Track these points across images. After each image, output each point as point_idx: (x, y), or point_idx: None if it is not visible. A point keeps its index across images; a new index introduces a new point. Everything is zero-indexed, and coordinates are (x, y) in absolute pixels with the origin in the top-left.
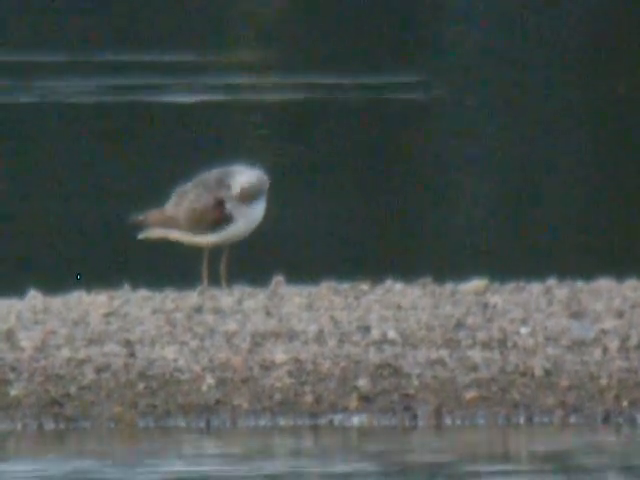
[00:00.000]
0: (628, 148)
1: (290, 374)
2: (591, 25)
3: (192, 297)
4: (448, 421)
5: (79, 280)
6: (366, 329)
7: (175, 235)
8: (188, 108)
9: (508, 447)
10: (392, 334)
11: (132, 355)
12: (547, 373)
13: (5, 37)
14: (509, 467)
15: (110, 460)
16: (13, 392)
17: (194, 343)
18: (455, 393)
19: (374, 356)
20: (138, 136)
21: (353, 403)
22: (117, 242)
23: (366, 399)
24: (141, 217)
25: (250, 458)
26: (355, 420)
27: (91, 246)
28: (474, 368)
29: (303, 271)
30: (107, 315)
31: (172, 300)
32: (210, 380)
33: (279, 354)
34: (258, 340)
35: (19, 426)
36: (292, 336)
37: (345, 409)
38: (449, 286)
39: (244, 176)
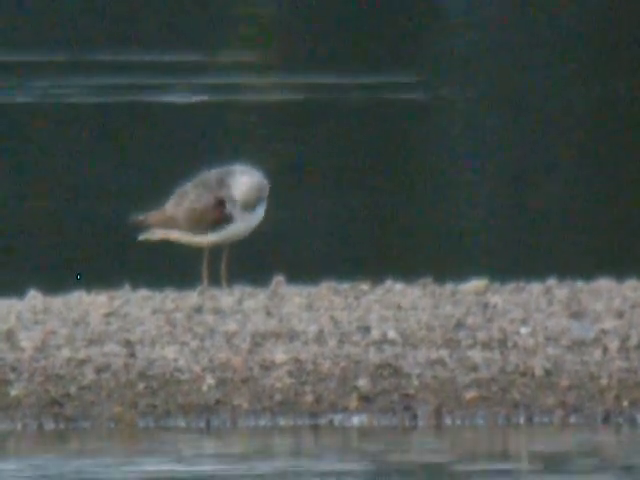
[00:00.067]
0: (628, 148)
1: (290, 374)
2: (591, 25)
3: (192, 297)
4: (448, 421)
5: (79, 280)
6: (366, 329)
7: (175, 235)
8: (188, 108)
9: (507, 447)
10: (392, 334)
11: (132, 355)
12: (547, 373)
13: (5, 37)
14: (506, 467)
15: (109, 459)
16: (13, 392)
17: (194, 343)
18: (455, 393)
19: (374, 356)
20: (138, 136)
21: (353, 403)
22: (117, 242)
23: (366, 399)
24: (141, 217)
25: (249, 458)
26: (355, 420)
27: (91, 246)
28: (474, 368)
29: (303, 271)
30: (107, 315)
31: (172, 300)
32: (210, 380)
33: (279, 354)
34: (258, 340)
35: (19, 426)
36: (292, 336)
37: (345, 409)
38: (449, 286)
39: (244, 184)
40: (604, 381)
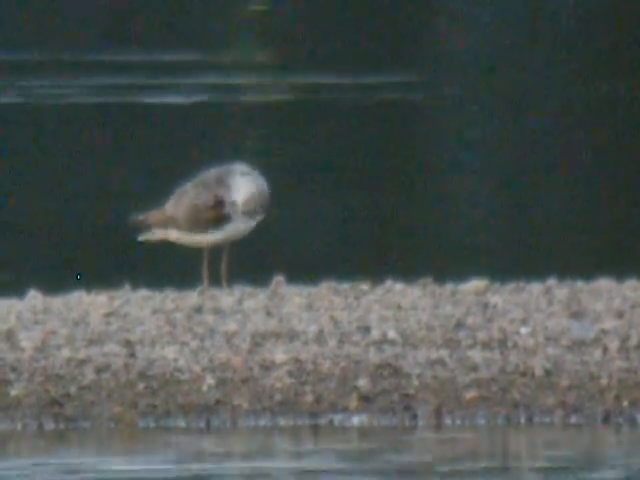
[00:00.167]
0: (628, 148)
1: (290, 374)
2: (591, 25)
3: (192, 297)
4: (448, 421)
5: (79, 280)
6: (366, 329)
7: (175, 235)
8: (188, 108)
9: (505, 446)
10: (392, 334)
11: (132, 355)
12: (547, 373)
13: (5, 36)
14: (500, 466)
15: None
16: (13, 392)
17: (194, 343)
18: (455, 393)
19: (374, 356)
20: (138, 136)
21: (353, 403)
22: (117, 242)
23: (366, 399)
24: (141, 217)
25: (249, 457)
26: (355, 420)
27: (91, 246)
28: (474, 368)
29: (303, 271)
30: (107, 315)
31: (172, 300)
32: (210, 380)
33: (279, 354)
34: (258, 340)
35: (19, 426)
36: (292, 336)
37: (345, 409)
38: (449, 286)
39: (246, 193)
40: (604, 381)
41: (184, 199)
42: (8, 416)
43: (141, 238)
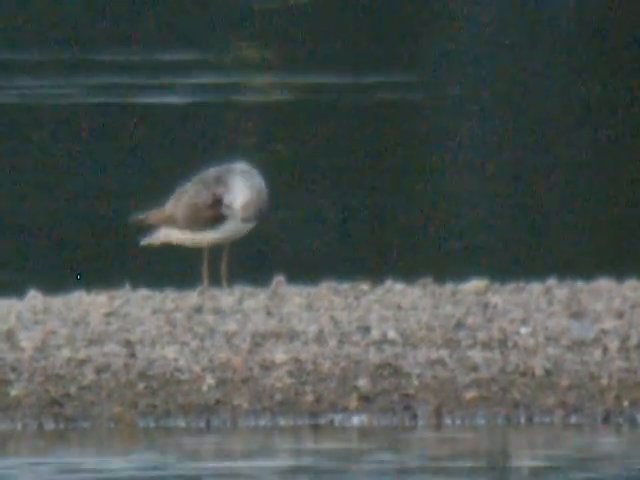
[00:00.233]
0: (628, 148)
1: (290, 374)
2: (591, 25)
3: (192, 297)
4: (448, 421)
5: (79, 280)
6: (366, 329)
7: (175, 235)
8: (188, 108)
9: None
10: (392, 334)
11: (132, 355)
12: (547, 373)
13: (5, 36)
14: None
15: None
16: (13, 392)
17: (194, 343)
18: (455, 393)
19: (374, 356)
20: (138, 136)
21: (353, 403)
22: (117, 242)
23: (366, 399)
24: (141, 216)
25: (249, 457)
26: (355, 420)
27: (91, 246)
28: (474, 368)
29: (303, 271)
30: (107, 315)
31: (172, 300)
32: (210, 380)
33: (279, 354)
34: (258, 340)
35: (19, 426)
36: (292, 336)
37: (345, 409)
38: (449, 286)
39: (243, 198)
40: (604, 381)
41: (183, 198)
42: (8, 416)
43: (143, 243)
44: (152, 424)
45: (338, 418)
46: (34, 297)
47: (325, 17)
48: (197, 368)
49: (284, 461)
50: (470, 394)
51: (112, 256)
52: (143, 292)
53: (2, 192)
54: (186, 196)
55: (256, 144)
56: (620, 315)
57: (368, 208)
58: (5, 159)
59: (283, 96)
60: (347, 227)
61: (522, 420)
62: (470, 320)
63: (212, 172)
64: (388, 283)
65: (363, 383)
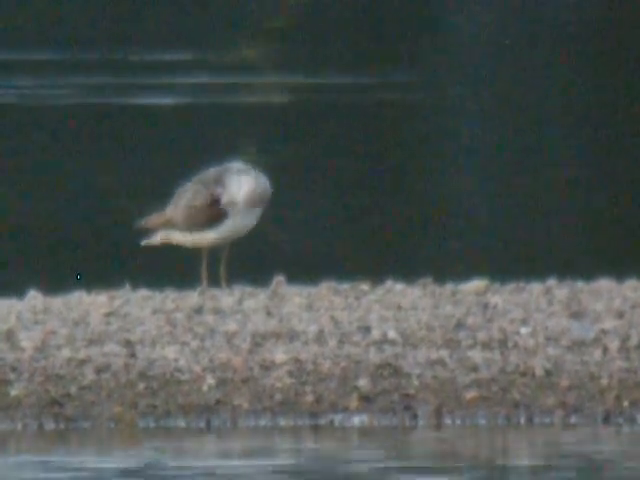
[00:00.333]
0: (628, 148)
1: (290, 374)
2: (591, 24)
3: (192, 297)
4: (448, 421)
5: (79, 280)
6: (366, 329)
7: (175, 236)
8: (187, 108)
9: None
10: (392, 334)
11: (132, 355)
12: (547, 373)
13: (5, 36)
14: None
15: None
16: (13, 392)
17: (194, 343)
18: (455, 393)
19: (374, 356)
20: (137, 136)
21: (353, 403)
22: (117, 242)
23: (366, 399)
24: (142, 222)
25: (249, 457)
26: (355, 420)
27: (91, 246)
28: (474, 368)
29: (303, 271)
30: (107, 315)
31: (172, 300)
32: (210, 380)
33: (279, 354)
34: (258, 340)
35: (19, 426)
36: (292, 336)
37: (345, 409)
38: (449, 286)
39: (247, 184)
40: (604, 381)
41: (182, 199)
42: (8, 416)
43: (143, 242)
44: (152, 424)
45: (338, 418)
46: (34, 297)
47: (325, 17)
48: (197, 368)
49: (284, 461)
50: (470, 394)
51: (112, 256)
52: (143, 292)
53: (2, 192)
54: (185, 198)
55: (256, 144)
56: (620, 315)
57: (368, 208)
58: (5, 159)
59: (283, 96)
60: (347, 227)
61: (522, 420)
62: (470, 320)
63: (211, 172)
64: (388, 283)
65: (363, 383)
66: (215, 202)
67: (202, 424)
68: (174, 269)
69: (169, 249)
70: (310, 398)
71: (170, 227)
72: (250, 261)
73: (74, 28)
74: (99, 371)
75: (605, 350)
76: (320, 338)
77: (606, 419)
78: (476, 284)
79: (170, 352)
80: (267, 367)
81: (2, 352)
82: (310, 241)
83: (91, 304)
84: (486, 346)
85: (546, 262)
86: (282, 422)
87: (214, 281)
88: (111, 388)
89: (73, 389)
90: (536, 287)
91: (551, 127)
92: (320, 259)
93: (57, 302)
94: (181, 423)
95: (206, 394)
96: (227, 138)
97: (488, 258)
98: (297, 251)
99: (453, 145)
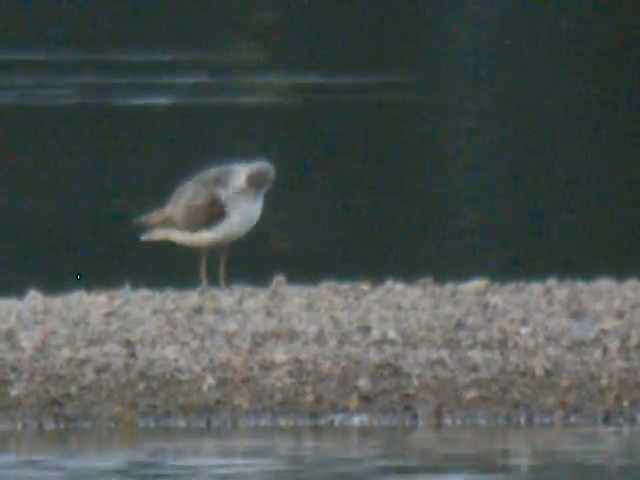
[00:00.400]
0: (628, 148)
1: (290, 374)
2: (591, 24)
3: (192, 297)
4: (448, 421)
5: (79, 280)
6: (366, 329)
7: (175, 235)
8: (187, 108)
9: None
10: (392, 334)
11: (132, 355)
12: (547, 373)
13: (5, 36)
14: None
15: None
16: (13, 392)
17: (194, 343)
18: (455, 393)
19: (374, 356)
20: (137, 136)
21: (353, 403)
22: (117, 242)
23: (366, 399)
24: (142, 219)
25: (250, 457)
26: (356, 420)
27: (91, 246)
28: (474, 368)
29: (303, 271)
30: (107, 315)
31: (172, 300)
32: (210, 380)
33: (279, 354)
34: (258, 340)
35: (19, 426)
36: (292, 336)
37: (345, 409)
38: (449, 286)
39: (252, 165)
40: (604, 381)
41: (182, 198)
42: (8, 416)
43: (143, 238)
44: (152, 424)
45: (338, 418)
46: (34, 297)
47: (325, 17)
48: (197, 368)
49: (284, 461)
50: (470, 394)
51: (112, 256)
52: (143, 292)
53: (2, 192)
54: (184, 197)
55: (256, 144)
56: (620, 315)
57: (368, 208)
58: (5, 159)
59: (283, 96)
60: (347, 227)
61: (522, 420)
62: (470, 320)
63: (211, 172)
64: (388, 283)
65: (363, 383)
66: (215, 202)
67: (202, 424)
68: (174, 269)
69: (169, 249)
70: (310, 398)
71: (169, 226)
72: (250, 261)
73: (74, 28)
74: (99, 371)
75: (605, 350)
76: (320, 338)
77: (606, 419)
78: (476, 284)
79: (170, 352)
80: (267, 367)
81: (2, 352)
82: (310, 241)
83: (91, 304)
84: (486, 346)
85: (546, 262)
86: (282, 422)
87: (213, 281)
88: (111, 388)
89: (73, 389)
90: (536, 287)
91: (551, 127)
92: (320, 259)
93: (57, 302)
94: (181, 423)
95: (206, 394)
96: (227, 138)
97: (488, 258)
98: (297, 251)
99: (453, 145)
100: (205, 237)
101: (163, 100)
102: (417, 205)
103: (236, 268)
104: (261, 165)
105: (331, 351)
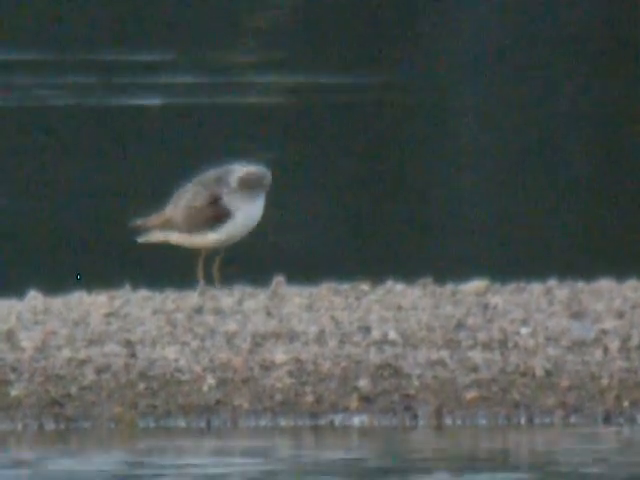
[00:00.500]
0: (628, 148)
1: (290, 374)
2: (591, 25)
3: (193, 297)
4: (449, 421)
5: (79, 280)
6: (367, 329)
7: (174, 238)
8: (187, 108)
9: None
10: (393, 334)
11: (133, 355)
12: (548, 373)
13: (5, 36)
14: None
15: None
16: (14, 392)
17: (195, 343)
18: (455, 393)
19: (375, 356)
20: (138, 137)
21: (354, 403)
22: (117, 242)
23: (367, 399)
24: (141, 221)
25: (250, 457)
26: (356, 420)
27: (91, 246)
28: (474, 368)
29: (303, 271)
30: (108, 315)
31: (173, 300)
32: (211, 380)
33: (279, 354)
34: (258, 340)
35: (19, 426)
36: (293, 336)
37: (346, 409)
38: (450, 286)
39: (245, 167)
40: (605, 381)
41: (182, 199)
42: (8, 416)
43: (141, 240)
44: (152, 424)
45: (338, 418)
46: (34, 297)
47: (325, 17)
48: (197, 368)
49: (284, 461)
50: (470, 394)
51: (112, 256)
52: (143, 292)
53: (2, 192)
54: (185, 199)
55: (256, 144)
56: (621, 315)
57: (368, 208)
58: (5, 159)
59: (283, 96)
60: (347, 227)
61: (522, 420)
62: (470, 320)
63: (211, 173)
64: (388, 283)
65: (363, 383)
66: (215, 203)
67: (202, 424)
68: (174, 269)
69: (169, 249)
70: (310, 398)
71: (169, 228)
72: (250, 261)
73: (74, 28)
74: (99, 371)
75: (605, 350)
76: (320, 338)
77: (606, 419)
78: (476, 284)
79: (170, 352)
80: (267, 367)
81: (2, 352)
82: (310, 241)
83: (91, 304)
84: (486, 346)
85: (546, 262)
86: (282, 422)
87: (210, 281)
88: (111, 388)
89: (73, 389)
90: (536, 287)
91: (551, 127)
92: (320, 259)
93: (57, 302)
94: (181, 423)
95: (206, 394)
96: (227, 138)
97: (488, 258)
98: (297, 251)
99: (453, 145)
100: (208, 239)
101: (163, 100)
102: (417, 205)
103: (236, 268)
104: (252, 168)
105: (331, 351)
